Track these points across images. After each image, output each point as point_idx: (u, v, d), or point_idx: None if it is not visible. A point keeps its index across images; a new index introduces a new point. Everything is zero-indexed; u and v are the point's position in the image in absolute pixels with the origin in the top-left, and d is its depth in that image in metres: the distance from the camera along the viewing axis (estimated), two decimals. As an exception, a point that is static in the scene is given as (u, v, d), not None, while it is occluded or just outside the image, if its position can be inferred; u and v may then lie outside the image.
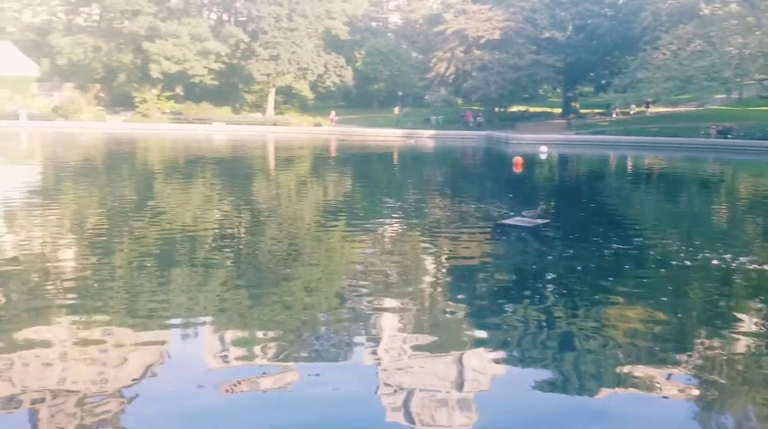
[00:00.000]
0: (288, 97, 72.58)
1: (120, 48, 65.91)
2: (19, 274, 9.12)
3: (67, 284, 8.72)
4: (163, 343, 6.82)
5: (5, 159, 29.99)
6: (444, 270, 10.47)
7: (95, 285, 8.68)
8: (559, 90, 67.57)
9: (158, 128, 59.87)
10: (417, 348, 6.84)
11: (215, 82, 67.88)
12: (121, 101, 70.48)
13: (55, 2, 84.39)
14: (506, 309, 8.14)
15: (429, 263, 10.74)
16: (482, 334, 7.33)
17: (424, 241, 12.54)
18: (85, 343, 6.65)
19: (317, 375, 6.09)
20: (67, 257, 10.34)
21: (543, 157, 36.00)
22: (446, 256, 11.32)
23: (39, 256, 10.20)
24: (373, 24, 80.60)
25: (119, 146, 40.07)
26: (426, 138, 53.95)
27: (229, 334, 7.07)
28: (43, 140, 43.97)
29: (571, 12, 56.97)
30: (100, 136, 49.58)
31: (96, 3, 71.04)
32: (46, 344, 6.53)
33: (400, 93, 66.13)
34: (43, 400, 5.35)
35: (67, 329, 6.99)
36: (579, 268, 10.34)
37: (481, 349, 6.86)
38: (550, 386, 6.02)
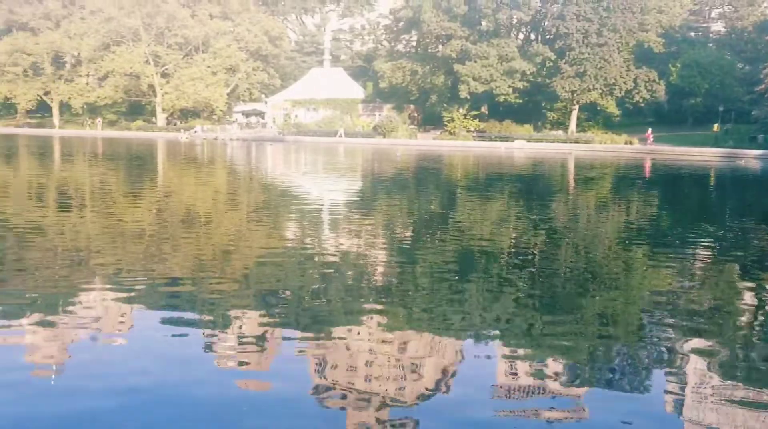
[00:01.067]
0: (592, 114, 70.44)
1: (433, 71, 70.59)
2: (336, 273, 10.25)
3: (374, 286, 9.57)
4: (455, 354, 7.07)
5: (335, 171, 34.20)
6: (768, 310, 9.09)
7: (398, 289, 9.37)
8: None
9: (462, 146, 62.74)
10: (725, 395, 6.03)
11: (519, 101, 68.80)
12: (431, 120, 75.59)
13: (380, 32, 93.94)
14: None
15: (750, 302, 9.42)
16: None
17: (746, 278, 11.05)
18: (385, 343, 7.20)
19: (607, 404, 5.75)
20: (376, 261, 11.35)
21: None
22: (772, 294, 9.82)
23: (353, 258, 11.36)
24: (692, 34, 74.05)
25: (428, 162, 42.93)
26: (752, 158, 47.76)
27: (519, 353, 7.05)
28: (364, 155, 49.15)
29: None
30: (411, 152, 53.66)
31: (415, 30, 77.23)
32: (353, 340, 7.23)
33: (720, 108, 59.59)
34: (347, 394, 5.93)
35: (369, 328, 7.66)
36: None
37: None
38: None
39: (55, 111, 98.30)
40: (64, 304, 8.22)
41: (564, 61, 63.04)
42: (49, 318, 7.64)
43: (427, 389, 6.10)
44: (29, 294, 8.63)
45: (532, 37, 73.34)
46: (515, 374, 6.52)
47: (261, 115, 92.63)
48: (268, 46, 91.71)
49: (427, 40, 73.45)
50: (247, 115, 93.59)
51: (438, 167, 39.34)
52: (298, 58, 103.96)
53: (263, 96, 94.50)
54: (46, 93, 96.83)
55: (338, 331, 7.44)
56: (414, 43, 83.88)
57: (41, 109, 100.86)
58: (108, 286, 9.00)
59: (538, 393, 6.06)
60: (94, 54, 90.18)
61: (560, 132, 67.92)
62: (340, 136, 73.29)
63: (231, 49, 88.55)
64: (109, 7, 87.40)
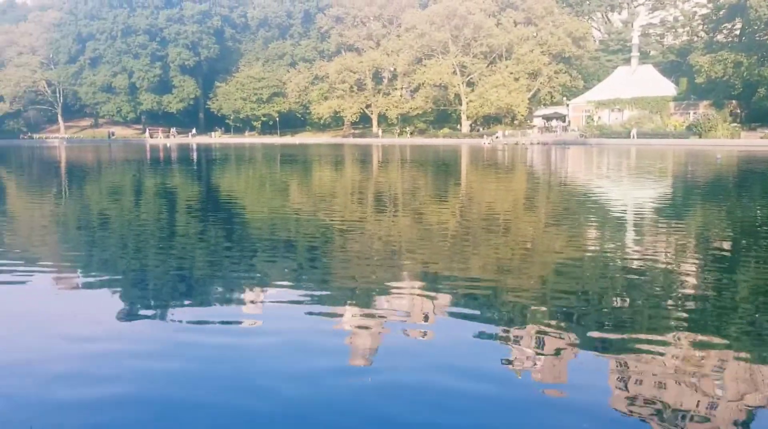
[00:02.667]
0: None
1: (762, 61, 62.53)
2: (640, 283, 9.68)
3: (682, 299, 8.82)
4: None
5: (641, 175, 32.26)
6: None
7: (713, 304, 8.52)
8: None
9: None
10: None
11: None
12: (758, 117, 66.95)
13: (696, 22, 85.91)
14: None
15: None
16: None
17: None
18: (694, 357, 6.62)
19: None
20: (687, 273, 10.44)
21: None
22: None
23: (660, 268, 10.60)
24: None
25: (756, 164, 38.10)
26: None
27: None
28: (675, 157, 45.37)
29: None
30: (734, 153, 48.09)
31: (739, 17, 69.12)
32: (658, 354, 6.78)
33: None
34: (649, 408, 5.59)
35: (677, 342, 7.08)
36: None
37: None
38: None
39: (374, 121, 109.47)
40: (373, 298, 9.10)
41: None
42: (360, 313, 8.54)
43: (740, 411, 5.47)
44: (343, 287, 9.79)
45: None
46: None
47: (562, 118, 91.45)
48: (571, 47, 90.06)
49: (755, 27, 65.15)
50: (547, 118, 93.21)
51: (765, 170, 34.56)
52: (602, 57, 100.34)
53: (564, 98, 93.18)
54: (367, 106, 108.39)
55: (641, 343, 7.04)
56: (737, 32, 75.05)
57: (362, 121, 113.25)
58: (414, 284, 9.75)
59: None
60: (408, 68, 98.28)
61: None
62: (633, 136, 69.46)
63: (534, 53, 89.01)
64: (421, 23, 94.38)
